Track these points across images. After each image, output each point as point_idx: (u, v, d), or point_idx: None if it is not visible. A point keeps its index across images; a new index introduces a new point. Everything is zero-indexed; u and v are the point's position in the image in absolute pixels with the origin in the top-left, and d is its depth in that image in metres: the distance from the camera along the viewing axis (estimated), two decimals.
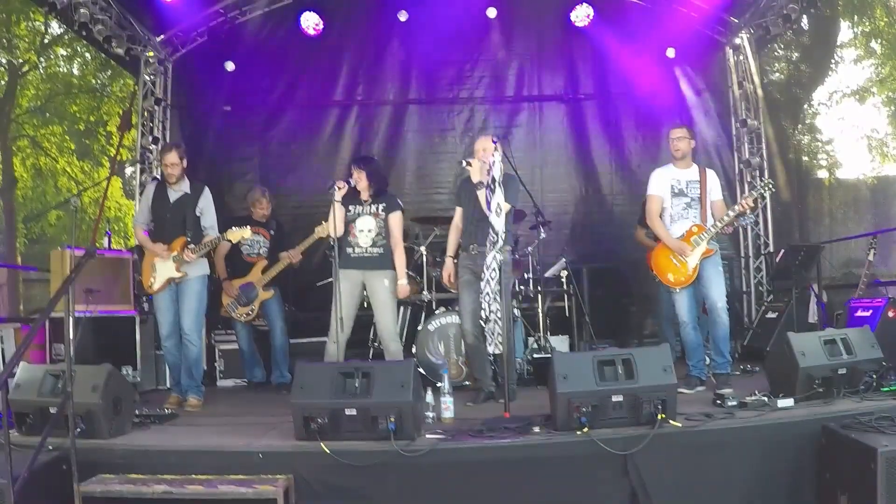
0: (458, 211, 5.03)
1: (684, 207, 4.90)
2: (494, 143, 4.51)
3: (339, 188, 4.74)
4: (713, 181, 4.97)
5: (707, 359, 5.04)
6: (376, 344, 5.90)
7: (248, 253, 5.97)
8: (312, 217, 5.76)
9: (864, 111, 15.09)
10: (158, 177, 5.34)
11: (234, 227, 4.91)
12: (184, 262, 4.85)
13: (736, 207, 4.77)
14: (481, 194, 4.53)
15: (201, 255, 4.93)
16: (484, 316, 4.49)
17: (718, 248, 4.90)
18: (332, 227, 4.69)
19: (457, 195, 5.16)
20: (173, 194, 4.98)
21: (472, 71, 7.86)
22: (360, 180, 4.90)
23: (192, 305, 4.87)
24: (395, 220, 4.94)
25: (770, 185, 5.30)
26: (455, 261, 4.99)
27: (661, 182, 4.97)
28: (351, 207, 4.91)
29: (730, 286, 7.78)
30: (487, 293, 4.39)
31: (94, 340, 5.38)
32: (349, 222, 4.90)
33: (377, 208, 4.92)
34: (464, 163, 4.68)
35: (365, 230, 4.88)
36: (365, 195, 4.95)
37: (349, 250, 4.88)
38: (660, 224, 4.95)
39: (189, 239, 4.88)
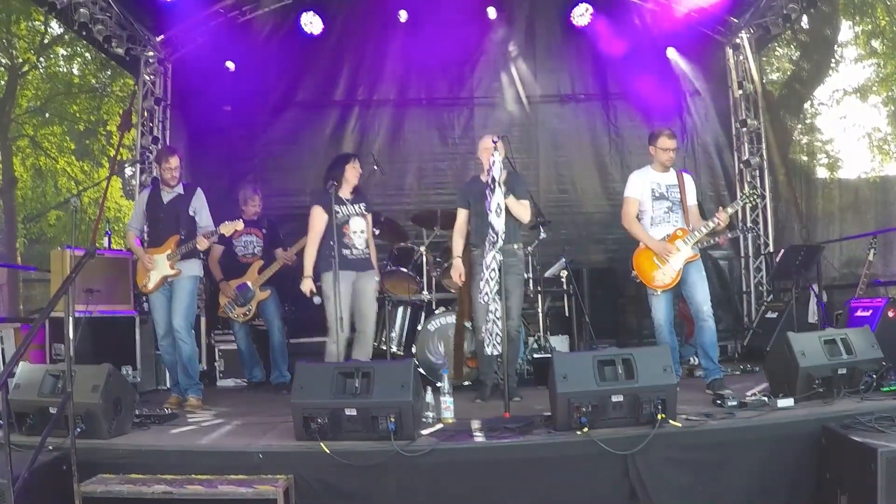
0: (463, 213, 4.99)
1: (666, 211, 4.82)
2: (494, 142, 4.48)
3: (336, 184, 4.84)
4: (690, 186, 4.91)
5: (696, 359, 5.04)
6: (376, 344, 5.90)
7: (243, 254, 5.98)
8: None
9: (865, 110, 15.08)
10: (150, 184, 5.34)
11: (226, 221, 4.93)
12: (178, 259, 4.90)
13: (709, 223, 4.68)
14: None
15: (196, 248, 4.94)
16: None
17: (699, 254, 4.80)
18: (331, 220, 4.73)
19: (462, 196, 5.05)
20: (167, 196, 5.05)
21: (472, 71, 7.88)
22: (357, 175, 4.98)
23: (183, 303, 4.91)
24: (370, 219, 5.09)
25: (753, 196, 5.32)
26: (461, 259, 4.95)
27: (641, 185, 4.88)
28: (339, 209, 4.88)
29: (730, 286, 7.84)
30: (486, 293, 4.38)
31: (94, 340, 5.38)
32: (342, 224, 4.87)
33: (361, 208, 4.99)
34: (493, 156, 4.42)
35: (358, 231, 4.94)
36: (348, 193, 4.97)
37: (346, 252, 4.86)
38: (638, 226, 4.85)
39: (182, 237, 4.93)
